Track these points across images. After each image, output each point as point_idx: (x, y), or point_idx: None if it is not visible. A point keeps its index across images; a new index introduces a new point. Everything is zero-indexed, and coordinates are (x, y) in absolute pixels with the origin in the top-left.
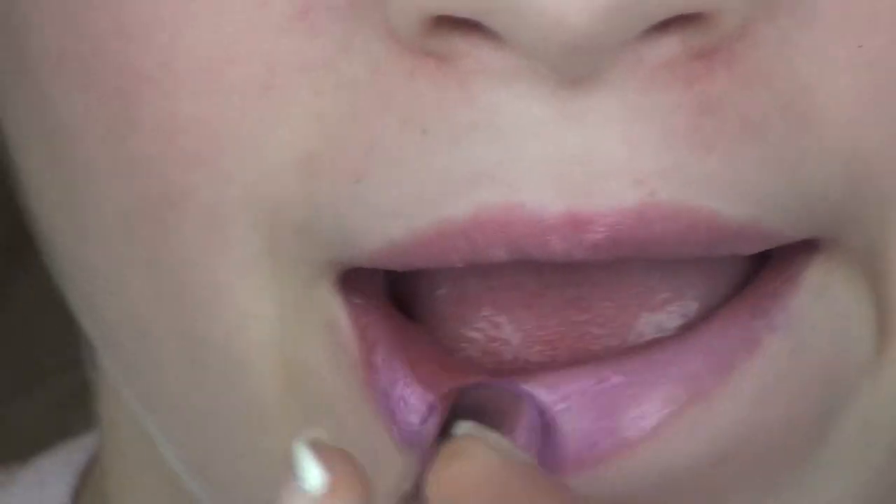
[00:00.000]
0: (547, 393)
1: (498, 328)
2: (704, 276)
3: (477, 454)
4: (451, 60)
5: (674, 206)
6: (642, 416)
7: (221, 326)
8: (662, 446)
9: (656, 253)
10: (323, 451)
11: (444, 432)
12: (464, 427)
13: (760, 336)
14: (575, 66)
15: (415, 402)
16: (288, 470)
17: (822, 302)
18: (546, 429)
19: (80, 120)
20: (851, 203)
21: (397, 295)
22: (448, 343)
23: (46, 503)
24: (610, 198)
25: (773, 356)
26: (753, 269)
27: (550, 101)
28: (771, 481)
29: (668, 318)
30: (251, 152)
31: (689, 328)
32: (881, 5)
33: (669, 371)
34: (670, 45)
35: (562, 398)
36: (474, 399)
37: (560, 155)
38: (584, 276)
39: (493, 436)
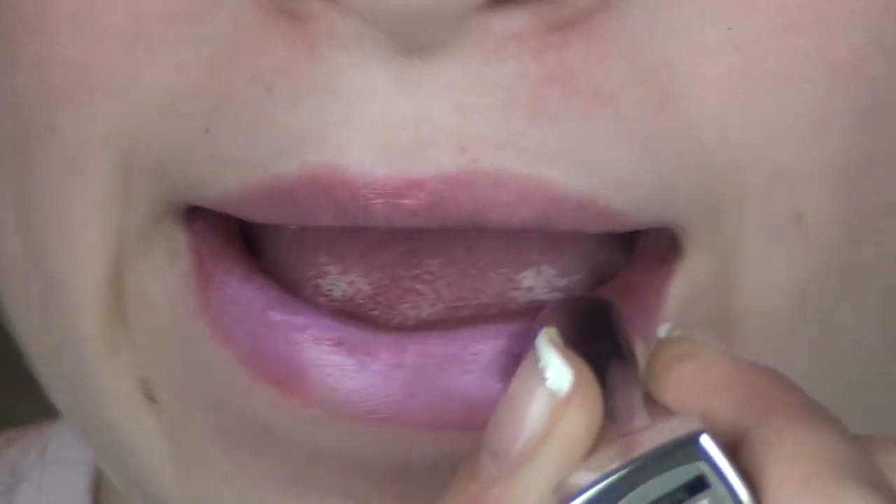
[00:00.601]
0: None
1: (325, 277)
2: (547, 242)
3: (705, 354)
4: (303, 22)
5: (500, 173)
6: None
7: (66, 262)
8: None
9: (489, 221)
10: (567, 353)
11: None
12: (669, 330)
13: None
14: (412, 34)
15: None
16: (528, 364)
17: (682, 313)
18: None
19: None
20: (710, 195)
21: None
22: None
23: (77, 463)
24: (431, 164)
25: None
26: (607, 250)
27: (389, 68)
28: None
29: (497, 278)
30: (116, 95)
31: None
32: None
33: (490, 347)
34: (522, 16)
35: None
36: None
37: (391, 121)
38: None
39: (703, 336)
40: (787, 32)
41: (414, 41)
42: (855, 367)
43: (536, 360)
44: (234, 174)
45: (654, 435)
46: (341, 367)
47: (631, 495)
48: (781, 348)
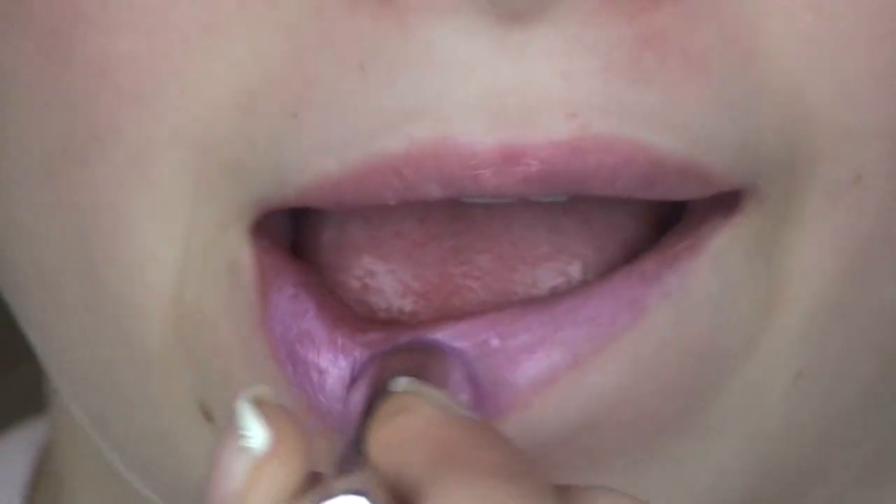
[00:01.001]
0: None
1: (374, 277)
2: (591, 236)
3: (418, 409)
4: None
5: (609, 138)
6: (516, 379)
7: (119, 269)
8: (533, 413)
9: (593, 187)
10: (267, 410)
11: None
12: (402, 384)
13: (648, 302)
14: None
15: (334, 373)
16: (229, 426)
17: (717, 272)
18: (472, 381)
19: (12, 58)
20: (785, 154)
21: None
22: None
23: (7, 480)
24: (542, 131)
25: (657, 323)
26: (647, 240)
27: (488, 36)
28: (648, 448)
29: (545, 273)
30: (187, 91)
31: (571, 291)
32: None
33: (545, 335)
34: None
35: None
36: (395, 359)
37: (495, 89)
38: (466, 226)
39: (432, 391)
40: None
41: (514, 8)
42: (892, 347)
43: (236, 422)
44: (331, 157)
45: (323, 493)
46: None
47: None
48: (822, 319)
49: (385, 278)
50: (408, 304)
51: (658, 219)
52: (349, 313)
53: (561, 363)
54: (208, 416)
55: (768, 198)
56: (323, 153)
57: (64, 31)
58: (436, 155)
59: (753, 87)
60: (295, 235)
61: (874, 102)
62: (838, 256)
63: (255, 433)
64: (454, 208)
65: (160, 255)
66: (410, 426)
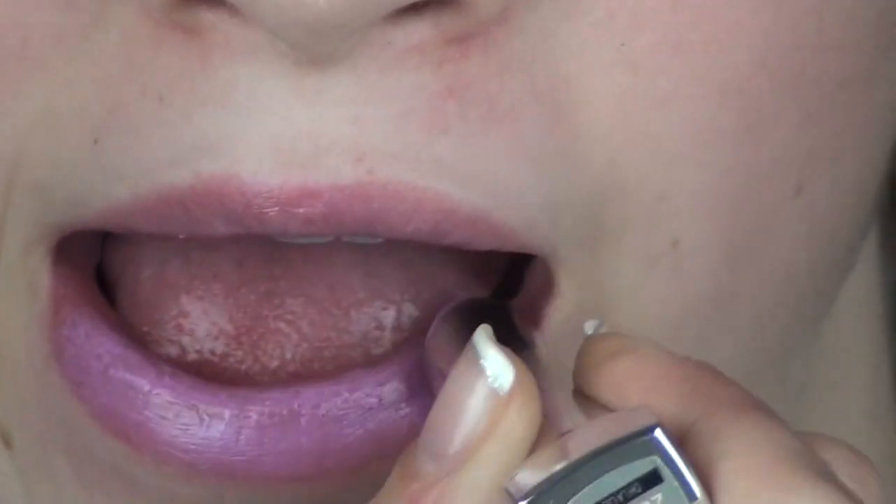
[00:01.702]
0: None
1: (188, 317)
2: (408, 283)
3: (644, 350)
4: (197, 34)
5: (396, 184)
6: (284, 456)
7: None
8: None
9: (382, 231)
10: (506, 349)
11: None
12: (597, 326)
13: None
14: (315, 45)
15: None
16: (469, 360)
17: (552, 345)
18: None
19: None
20: (594, 219)
21: (107, 273)
22: (147, 329)
23: None
24: (328, 174)
25: None
26: (465, 287)
27: (286, 79)
28: None
29: (360, 318)
30: (2, 114)
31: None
32: (646, 5)
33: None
34: (422, 30)
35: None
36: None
37: (288, 131)
38: (284, 269)
39: (632, 333)
40: (677, 51)
41: (315, 52)
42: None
43: (476, 357)
44: (123, 184)
45: (601, 430)
46: (186, 426)
47: (585, 490)
48: None
49: (199, 319)
50: (219, 346)
51: (477, 269)
52: (146, 355)
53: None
54: (7, 441)
55: (579, 267)
56: (116, 180)
57: None
58: (220, 192)
59: (562, 146)
60: (114, 270)
61: (691, 164)
62: (662, 321)
63: (500, 371)
64: (274, 251)
65: None
66: (643, 366)
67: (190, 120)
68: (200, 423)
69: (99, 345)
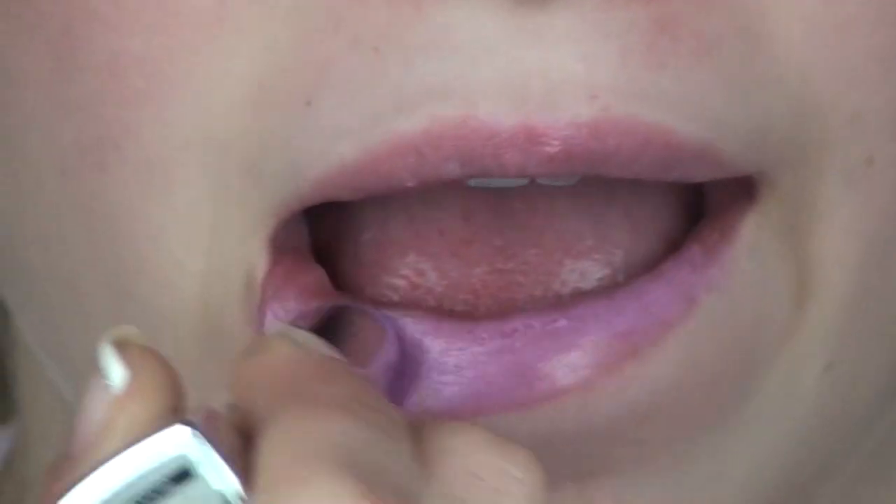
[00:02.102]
0: (468, 338)
1: (422, 275)
2: (630, 224)
3: (275, 348)
4: None
5: (628, 120)
6: (569, 367)
7: (147, 278)
8: (587, 399)
9: (611, 169)
10: (127, 350)
11: None
12: (276, 326)
13: (698, 294)
14: None
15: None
16: (93, 369)
17: (754, 259)
18: (407, 369)
19: (25, 63)
20: (796, 140)
21: (322, 246)
22: (372, 291)
23: None
24: (564, 111)
25: (707, 315)
26: (682, 227)
27: (507, 19)
28: (695, 436)
29: (592, 265)
30: (202, 89)
31: (619, 283)
32: None
33: (600, 325)
34: None
35: (480, 342)
36: (344, 326)
37: (516, 71)
38: (510, 223)
39: (301, 333)
40: None
41: None
42: None
43: (97, 364)
44: (346, 141)
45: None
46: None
47: (117, 489)
48: (849, 307)
49: (433, 276)
50: (458, 304)
51: (684, 208)
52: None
53: (615, 352)
54: None
55: (782, 184)
56: (339, 138)
57: (76, 31)
58: (458, 134)
59: (763, 73)
60: (327, 237)
61: (880, 86)
62: (858, 240)
63: (115, 373)
64: (498, 202)
65: (187, 264)
66: (265, 364)
67: (411, 67)
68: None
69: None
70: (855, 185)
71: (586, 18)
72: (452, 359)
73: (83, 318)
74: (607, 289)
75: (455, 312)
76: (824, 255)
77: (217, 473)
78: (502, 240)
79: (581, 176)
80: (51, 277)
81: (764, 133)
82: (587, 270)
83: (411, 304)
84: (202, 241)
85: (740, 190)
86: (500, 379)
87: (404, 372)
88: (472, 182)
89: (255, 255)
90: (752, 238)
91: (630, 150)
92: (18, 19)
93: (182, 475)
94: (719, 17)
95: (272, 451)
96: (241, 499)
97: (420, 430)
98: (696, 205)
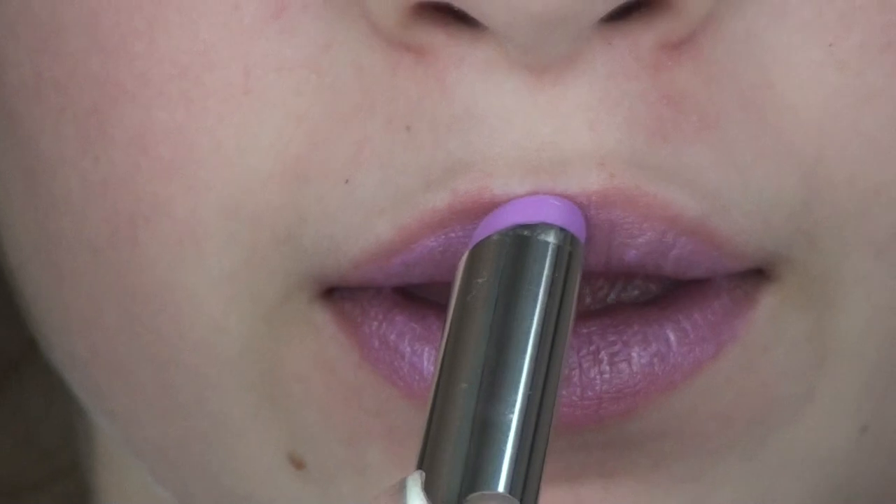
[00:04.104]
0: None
1: None
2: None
3: None
4: (429, 53)
5: (632, 190)
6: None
7: (189, 346)
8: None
9: (616, 241)
10: None
11: None
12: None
13: (724, 339)
14: (544, 45)
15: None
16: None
17: (773, 323)
18: None
19: (56, 146)
20: (810, 215)
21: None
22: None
23: None
24: (574, 180)
25: (728, 361)
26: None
27: (524, 91)
28: (706, 460)
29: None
30: (231, 160)
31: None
32: (853, 4)
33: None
34: (637, 31)
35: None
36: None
37: (530, 142)
38: None
39: None
40: (886, 48)
41: (544, 57)
42: None
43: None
44: (382, 217)
45: None
46: None
47: None
48: (883, 374)
49: None
50: None
51: None
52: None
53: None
54: (299, 463)
55: (801, 261)
56: (375, 215)
57: (103, 110)
58: (477, 205)
59: (768, 148)
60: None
61: None
62: (889, 311)
63: None
64: None
65: (227, 327)
66: None
67: (437, 144)
68: None
69: (402, 325)
70: (884, 257)
71: (596, 88)
72: None
73: (131, 397)
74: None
75: None
76: (853, 325)
77: None
78: None
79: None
80: (97, 363)
81: (770, 208)
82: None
83: None
84: (240, 301)
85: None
86: None
87: None
88: None
89: (306, 308)
90: (771, 309)
91: (632, 221)
92: (50, 104)
93: None
94: (725, 92)
95: None
96: None
97: None
98: None
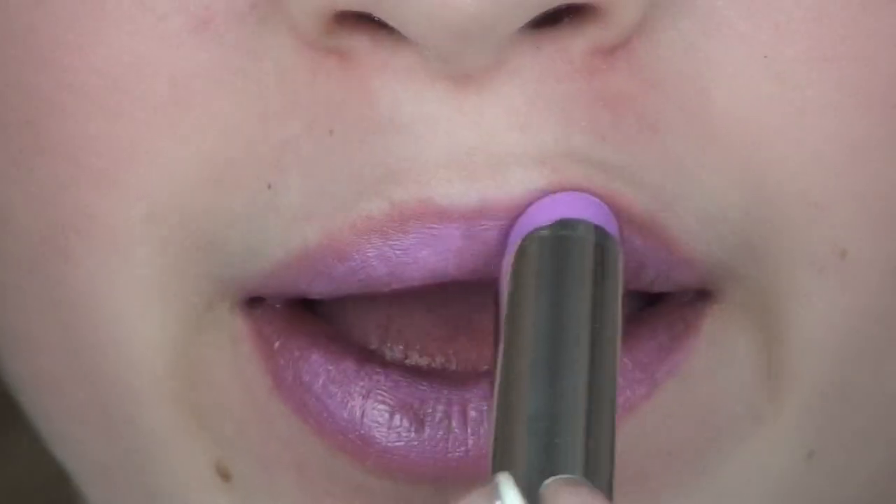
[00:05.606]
0: None
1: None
2: None
3: None
4: (352, 58)
5: (581, 181)
6: None
7: (125, 360)
8: None
9: None
10: None
11: None
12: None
13: (659, 378)
14: (465, 55)
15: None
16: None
17: (718, 350)
18: None
19: None
20: (755, 229)
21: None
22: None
23: None
24: (517, 179)
25: (665, 398)
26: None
27: (447, 99)
28: (650, 497)
29: None
30: (159, 168)
31: None
32: (790, 17)
33: None
34: (567, 36)
35: None
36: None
37: (460, 148)
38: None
39: None
40: (824, 62)
41: (466, 66)
42: None
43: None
44: (310, 223)
45: None
46: (406, 431)
47: None
48: (829, 398)
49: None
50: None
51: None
52: (360, 365)
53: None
54: (225, 475)
55: (746, 275)
56: (301, 221)
57: (38, 122)
58: (422, 216)
59: (709, 158)
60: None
61: (845, 171)
62: (835, 333)
63: None
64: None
65: (155, 336)
66: None
67: (363, 149)
68: (420, 427)
69: (317, 365)
70: (828, 278)
71: (527, 91)
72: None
73: (73, 418)
74: None
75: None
76: (799, 346)
77: None
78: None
79: None
80: (39, 385)
81: (716, 217)
82: None
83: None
84: (163, 312)
85: (696, 276)
86: None
87: None
88: None
89: (228, 319)
90: (714, 331)
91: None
92: None
93: None
94: (663, 98)
95: None
96: None
97: None
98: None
